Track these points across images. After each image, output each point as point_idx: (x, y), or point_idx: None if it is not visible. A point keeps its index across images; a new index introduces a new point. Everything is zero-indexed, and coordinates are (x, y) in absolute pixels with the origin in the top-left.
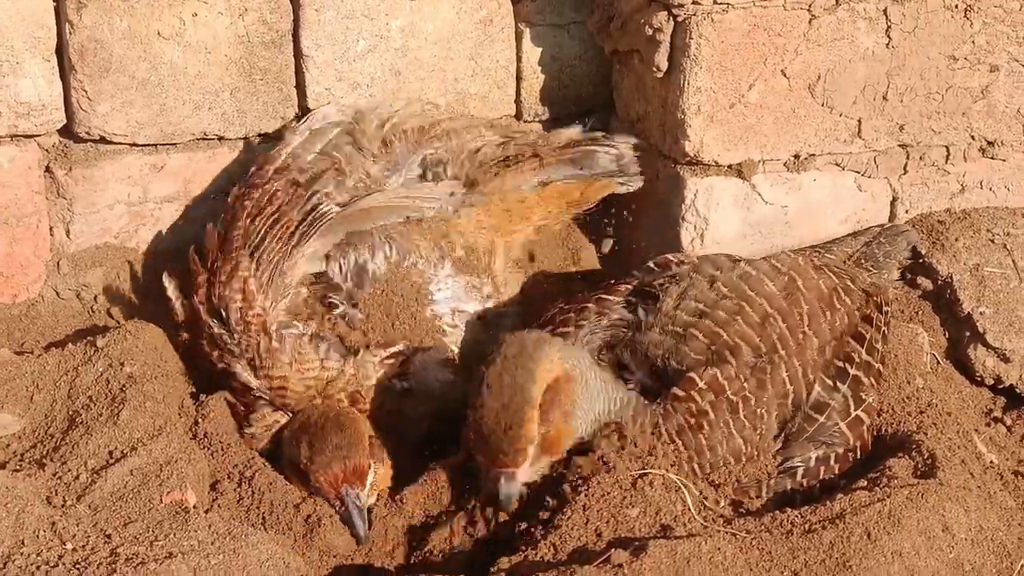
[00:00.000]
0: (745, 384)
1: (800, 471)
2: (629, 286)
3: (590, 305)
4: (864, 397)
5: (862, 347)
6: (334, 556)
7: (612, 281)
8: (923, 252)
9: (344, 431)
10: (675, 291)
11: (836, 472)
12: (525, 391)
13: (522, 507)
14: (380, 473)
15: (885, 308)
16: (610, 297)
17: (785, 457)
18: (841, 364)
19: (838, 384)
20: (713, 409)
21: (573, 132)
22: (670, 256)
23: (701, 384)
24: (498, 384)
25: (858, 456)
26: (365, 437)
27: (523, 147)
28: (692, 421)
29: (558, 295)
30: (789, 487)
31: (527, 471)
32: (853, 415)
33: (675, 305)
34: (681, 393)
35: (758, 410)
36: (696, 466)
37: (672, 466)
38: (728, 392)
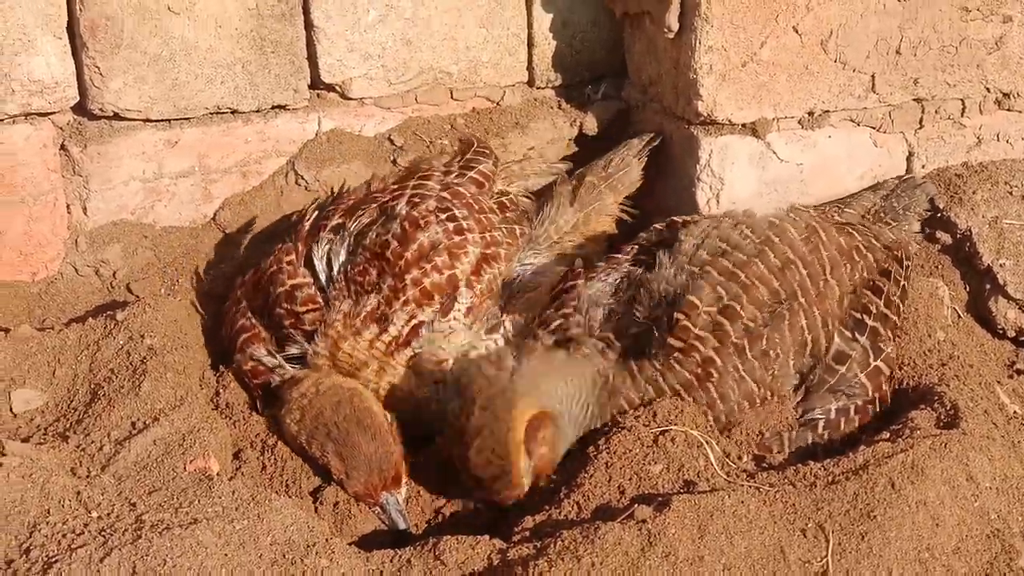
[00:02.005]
0: (753, 324)
1: (821, 423)
2: (636, 246)
3: (599, 264)
4: (883, 347)
5: (879, 299)
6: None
7: (622, 245)
8: (941, 206)
9: (373, 435)
10: (697, 231)
11: (857, 425)
12: (507, 439)
13: None
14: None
15: (906, 263)
16: (618, 256)
17: (805, 409)
18: (859, 316)
19: (856, 336)
20: (719, 355)
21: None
22: (676, 218)
23: (698, 331)
24: (480, 437)
25: (878, 408)
26: (391, 434)
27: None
28: (699, 371)
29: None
30: (811, 440)
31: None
32: (872, 365)
33: (697, 243)
34: (677, 343)
35: (771, 351)
36: (711, 418)
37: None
38: (733, 336)
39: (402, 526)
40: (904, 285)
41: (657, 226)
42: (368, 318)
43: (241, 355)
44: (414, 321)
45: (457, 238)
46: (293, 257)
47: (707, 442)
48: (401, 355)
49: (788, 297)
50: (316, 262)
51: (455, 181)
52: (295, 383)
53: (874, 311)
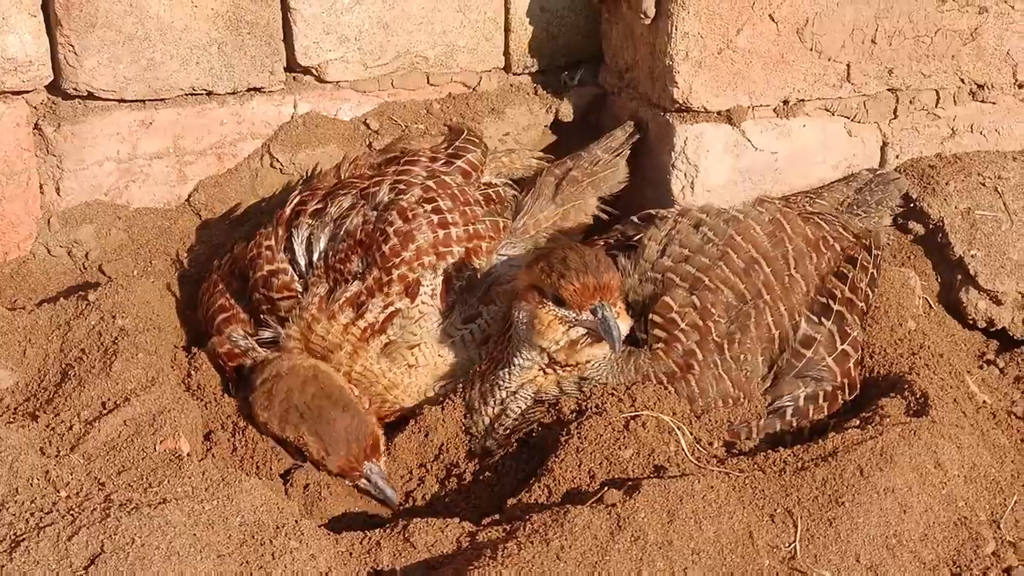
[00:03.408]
0: (724, 326)
1: (789, 410)
2: (611, 240)
3: None
4: (849, 331)
5: (844, 285)
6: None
7: (595, 237)
8: (915, 196)
9: (344, 407)
10: (659, 235)
11: (826, 412)
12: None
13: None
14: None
15: (875, 251)
16: None
17: (774, 397)
18: (824, 300)
19: (823, 320)
20: (701, 348)
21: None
22: (652, 212)
23: (683, 324)
24: (584, 249)
25: (848, 395)
26: (359, 403)
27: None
28: (682, 362)
29: None
30: (779, 428)
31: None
32: (839, 349)
33: (659, 251)
34: (662, 334)
35: (742, 355)
36: (689, 411)
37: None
38: (713, 333)
39: (390, 493)
40: (873, 273)
41: (634, 219)
42: (346, 304)
43: (218, 336)
44: (390, 309)
45: (442, 232)
46: (272, 242)
47: (678, 427)
48: (376, 341)
49: (753, 297)
50: (296, 247)
51: (441, 169)
52: (260, 368)
53: (839, 296)
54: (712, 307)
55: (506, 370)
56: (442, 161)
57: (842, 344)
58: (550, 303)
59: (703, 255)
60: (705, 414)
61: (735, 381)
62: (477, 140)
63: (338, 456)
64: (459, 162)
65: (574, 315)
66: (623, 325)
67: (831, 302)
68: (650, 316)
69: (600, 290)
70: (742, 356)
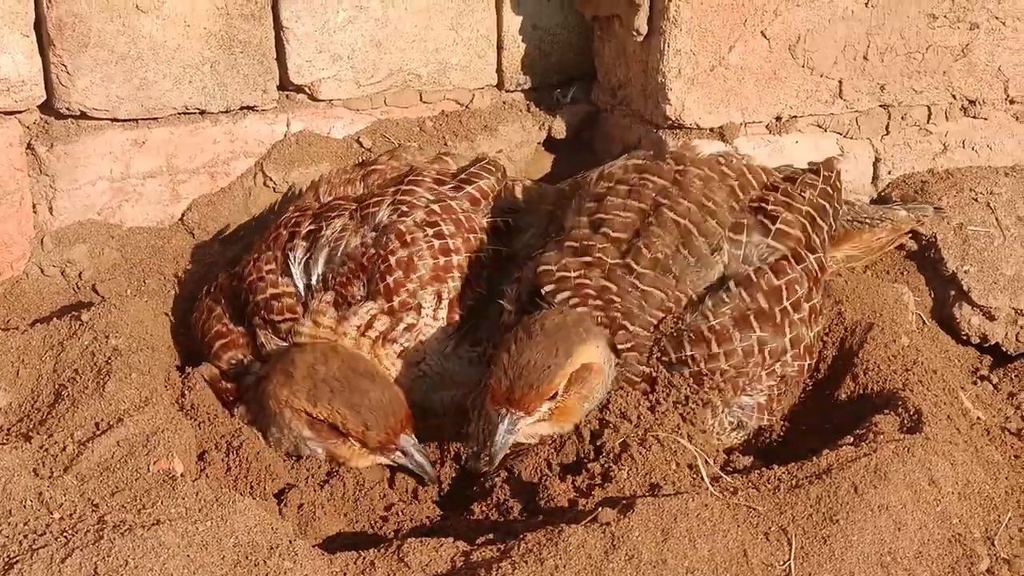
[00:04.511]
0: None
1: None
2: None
3: None
4: (781, 211)
5: (776, 193)
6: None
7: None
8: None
9: (372, 377)
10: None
11: (776, 281)
12: (566, 356)
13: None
14: None
15: (825, 173)
16: None
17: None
18: (753, 207)
19: (750, 218)
20: (610, 279)
21: None
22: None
23: (573, 279)
24: (545, 339)
25: (806, 262)
26: (385, 373)
27: None
28: (600, 303)
29: None
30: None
31: (527, 426)
32: (775, 228)
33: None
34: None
35: (658, 254)
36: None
37: None
38: (609, 261)
39: (428, 467)
40: (826, 190)
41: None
42: (350, 326)
43: (218, 361)
44: (401, 325)
45: (443, 259)
46: (273, 266)
47: (698, 455)
48: (389, 348)
49: (653, 209)
50: (293, 269)
51: (449, 193)
52: (271, 363)
53: (772, 199)
54: (610, 233)
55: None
56: (451, 185)
57: (775, 225)
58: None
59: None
60: (660, 336)
61: (665, 287)
62: (494, 167)
63: (378, 429)
64: (469, 188)
65: (494, 412)
66: (538, 428)
67: (763, 204)
68: (541, 289)
69: (507, 401)
70: (659, 256)
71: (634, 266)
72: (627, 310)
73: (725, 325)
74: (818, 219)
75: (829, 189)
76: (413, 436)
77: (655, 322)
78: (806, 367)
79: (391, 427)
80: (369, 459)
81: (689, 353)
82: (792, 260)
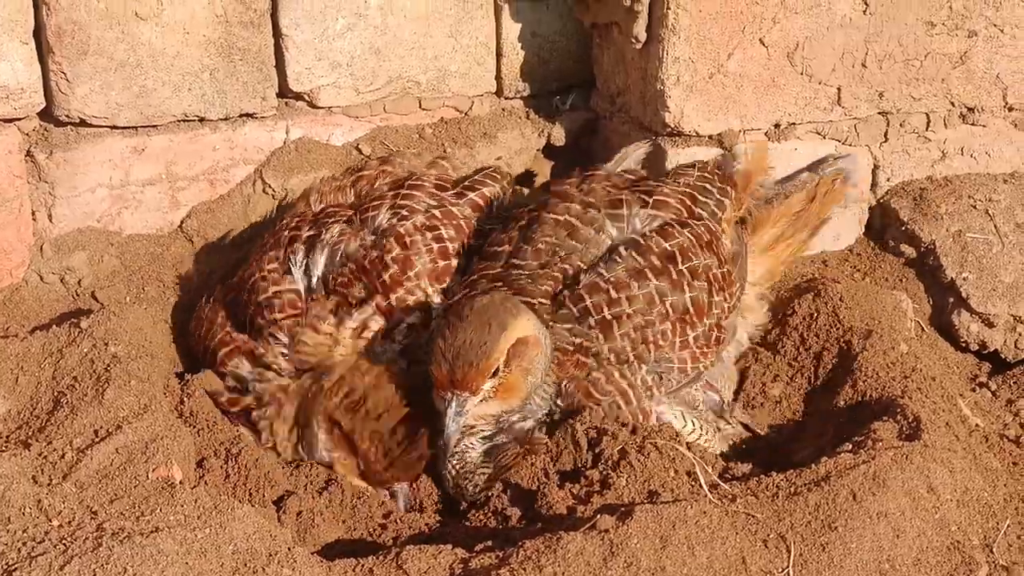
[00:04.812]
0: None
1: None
2: None
3: None
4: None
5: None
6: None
7: None
8: (905, 219)
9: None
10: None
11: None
12: (500, 330)
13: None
14: None
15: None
16: None
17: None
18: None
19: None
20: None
21: None
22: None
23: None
24: (477, 318)
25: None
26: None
27: None
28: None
29: None
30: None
31: (476, 406)
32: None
33: None
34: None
35: (539, 245)
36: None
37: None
38: (498, 267)
39: (402, 508)
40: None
41: None
42: (346, 328)
43: (223, 368)
44: (403, 324)
45: (442, 263)
46: (276, 265)
47: (696, 463)
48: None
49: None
50: (294, 271)
51: (450, 199)
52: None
53: (643, 184)
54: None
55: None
56: (453, 192)
57: (652, 197)
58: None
59: None
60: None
61: (552, 266)
62: (498, 176)
63: (392, 474)
64: (472, 195)
65: (440, 400)
66: (489, 408)
67: (636, 186)
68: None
69: (450, 384)
70: (540, 247)
71: (519, 261)
72: (520, 288)
73: (620, 276)
74: (699, 196)
75: (707, 175)
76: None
77: (551, 292)
78: (716, 337)
79: (398, 476)
80: (360, 482)
81: (590, 301)
82: (677, 225)
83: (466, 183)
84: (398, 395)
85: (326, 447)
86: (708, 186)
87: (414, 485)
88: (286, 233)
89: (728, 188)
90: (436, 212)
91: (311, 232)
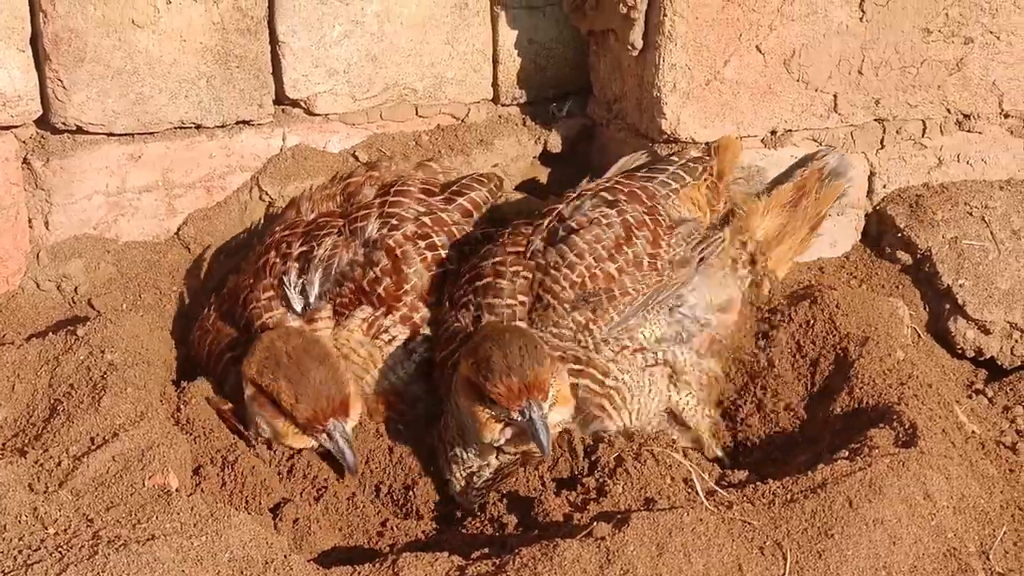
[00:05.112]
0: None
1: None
2: None
3: None
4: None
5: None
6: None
7: None
8: (902, 226)
9: (321, 361)
10: None
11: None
12: (532, 335)
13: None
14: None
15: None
16: None
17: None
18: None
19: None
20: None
21: None
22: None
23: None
24: (508, 333)
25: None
26: (340, 363)
27: None
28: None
29: None
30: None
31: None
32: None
33: None
34: None
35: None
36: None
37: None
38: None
39: (348, 455)
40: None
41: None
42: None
43: (224, 379)
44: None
45: (437, 269)
46: (272, 292)
47: (693, 470)
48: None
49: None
50: (290, 294)
51: (439, 205)
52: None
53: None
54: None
55: (460, 450)
56: (441, 197)
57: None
58: (484, 402)
59: None
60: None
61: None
62: (485, 179)
63: (305, 407)
64: (461, 200)
65: (505, 415)
66: (557, 415)
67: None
68: None
69: (526, 389)
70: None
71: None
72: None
73: (586, 214)
74: (655, 176)
75: (676, 158)
76: (346, 424)
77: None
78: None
79: (321, 408)
80: (302, 440)
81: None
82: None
83: (454, 187)
84: (316, 345)
85: (258, 415)
86: (668, 166)
87: (361, 425)
88: (274, 255)
89: (694, 166)
90: (426, 220)
91: (303, 248)
